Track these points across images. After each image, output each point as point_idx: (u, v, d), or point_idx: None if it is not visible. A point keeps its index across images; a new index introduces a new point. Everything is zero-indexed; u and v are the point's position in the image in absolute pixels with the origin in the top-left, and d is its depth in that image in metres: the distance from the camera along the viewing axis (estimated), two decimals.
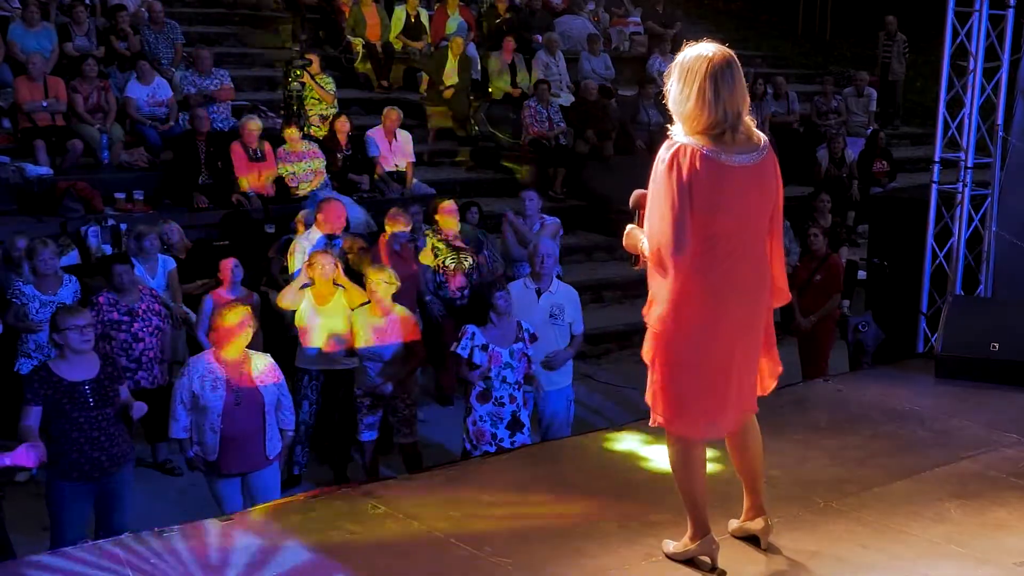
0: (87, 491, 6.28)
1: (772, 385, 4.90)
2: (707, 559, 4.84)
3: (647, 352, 4.72)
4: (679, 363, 4.60)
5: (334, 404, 8.22)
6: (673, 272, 4.45)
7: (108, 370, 6.31)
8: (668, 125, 4.54)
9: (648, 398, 4.76)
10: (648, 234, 4.54)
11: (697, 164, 4.35)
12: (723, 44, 4.47)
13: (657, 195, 4.44)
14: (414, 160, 12.51)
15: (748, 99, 4.50)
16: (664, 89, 4.51)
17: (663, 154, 4.43)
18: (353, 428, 7.90)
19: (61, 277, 8.33)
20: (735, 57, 4.42)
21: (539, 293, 7.88)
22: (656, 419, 4.73)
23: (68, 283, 8.32)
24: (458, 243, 9.59)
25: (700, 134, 4.40)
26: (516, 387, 7.28)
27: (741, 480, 4.98)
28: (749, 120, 4.51)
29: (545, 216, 10.05)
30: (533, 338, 7.42)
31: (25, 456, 5.63)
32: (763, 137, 4.56)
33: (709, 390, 4.61)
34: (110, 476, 6.29)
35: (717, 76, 4.34)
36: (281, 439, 6.76)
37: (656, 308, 4.62)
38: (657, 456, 6.07)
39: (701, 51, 4.40)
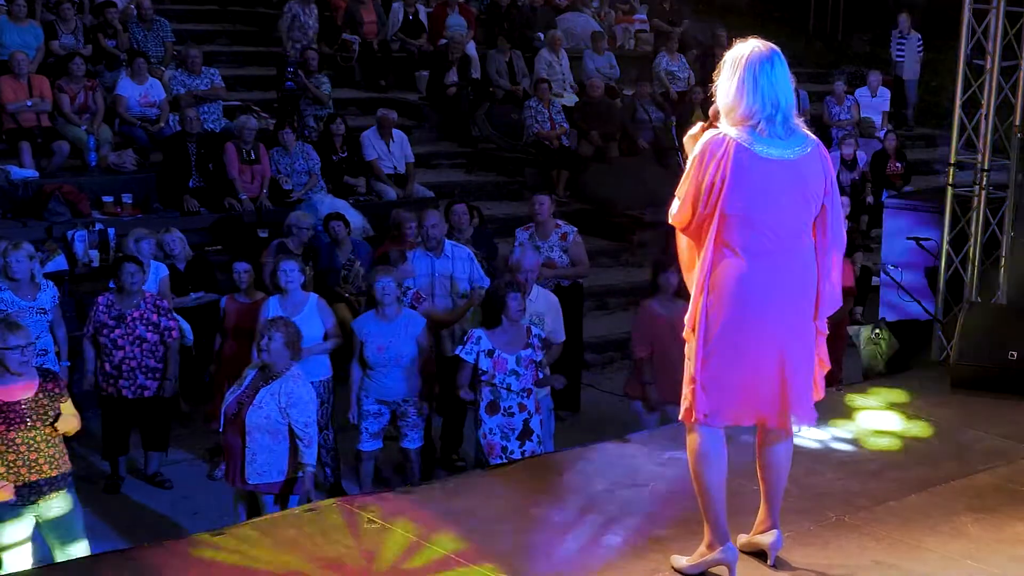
0: (26, 515, 6.05)
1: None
2: (725, 569, 4.72)
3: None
4: (701, 352, 4.59)
5: (326, 415, 8.00)
6: (703, 264, 4.57)
7: (48, 387, 6.07)
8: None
9: None
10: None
11: (729, 156, 4.46)
12: (732, 42, 4.59)
13: (684, 177, 4.59)
14: (413, 161, 12.32)
15: (793, 96, 4.54)
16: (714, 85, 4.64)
17: (700, 141, 4.58)
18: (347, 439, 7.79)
19: (39, 282, 8.21)
20: (779, 52, 4.52)
21: None
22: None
23: (46, 288, 8.21)
24: None
25: (737, 125, 4.51)
26: (524, 395, 7.08)
27: (761, 491, 4.88)
28: (798, 119, 4.59)
29: (562, 223, 9.74)
30: (545, 343, 7.18)
31: None
32: (810, 136, 4.61)
33: (725, 380, 4.56)
34: (49, 501, 6.06)
35: (755, 67, 4.45)
36: (283, 474, 6.46)
37: (691, 300, 4.67)
38: (662, 469, 6.06)
39: (746, 45, 4.54)
